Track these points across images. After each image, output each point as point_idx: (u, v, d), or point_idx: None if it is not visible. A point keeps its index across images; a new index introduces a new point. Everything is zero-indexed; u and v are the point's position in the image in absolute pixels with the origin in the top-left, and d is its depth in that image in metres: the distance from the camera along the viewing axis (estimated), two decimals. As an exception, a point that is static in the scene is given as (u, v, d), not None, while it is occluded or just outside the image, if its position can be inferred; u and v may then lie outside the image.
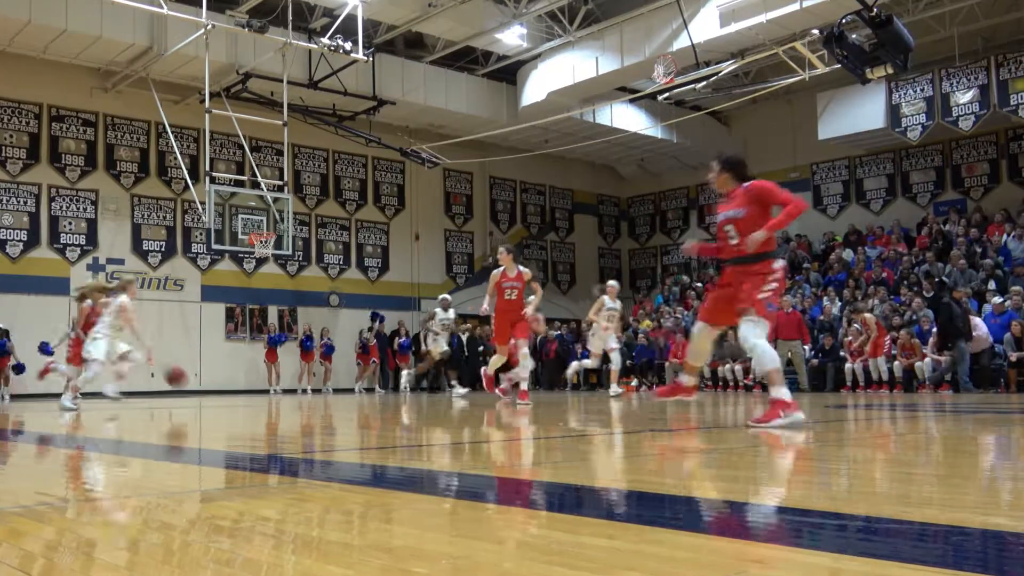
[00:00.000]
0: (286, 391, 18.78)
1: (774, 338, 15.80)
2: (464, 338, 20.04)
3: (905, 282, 17.31)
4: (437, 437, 5.17)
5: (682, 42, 16.09)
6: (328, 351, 19.66)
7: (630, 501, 2.33)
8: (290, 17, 15.84)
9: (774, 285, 5.29)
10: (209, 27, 14.36)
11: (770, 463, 3.56)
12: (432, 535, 1.87)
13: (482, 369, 10.97)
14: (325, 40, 15.78)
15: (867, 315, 15.22)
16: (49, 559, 1.67)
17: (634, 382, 18.55)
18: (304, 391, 18.90)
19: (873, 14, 11.64)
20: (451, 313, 16.17)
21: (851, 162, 21.63)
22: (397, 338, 20.48)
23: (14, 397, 15.86)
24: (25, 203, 17.31)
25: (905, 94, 18.56)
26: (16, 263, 17.14)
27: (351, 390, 19.82)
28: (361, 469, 3.35)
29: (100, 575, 1.53)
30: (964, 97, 17.72)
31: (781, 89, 17.70)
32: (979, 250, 17.22)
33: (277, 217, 16.58)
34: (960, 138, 19.07)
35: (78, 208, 17.93)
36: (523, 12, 17.63)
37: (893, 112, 18.82)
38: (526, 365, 9.45)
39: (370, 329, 20.18)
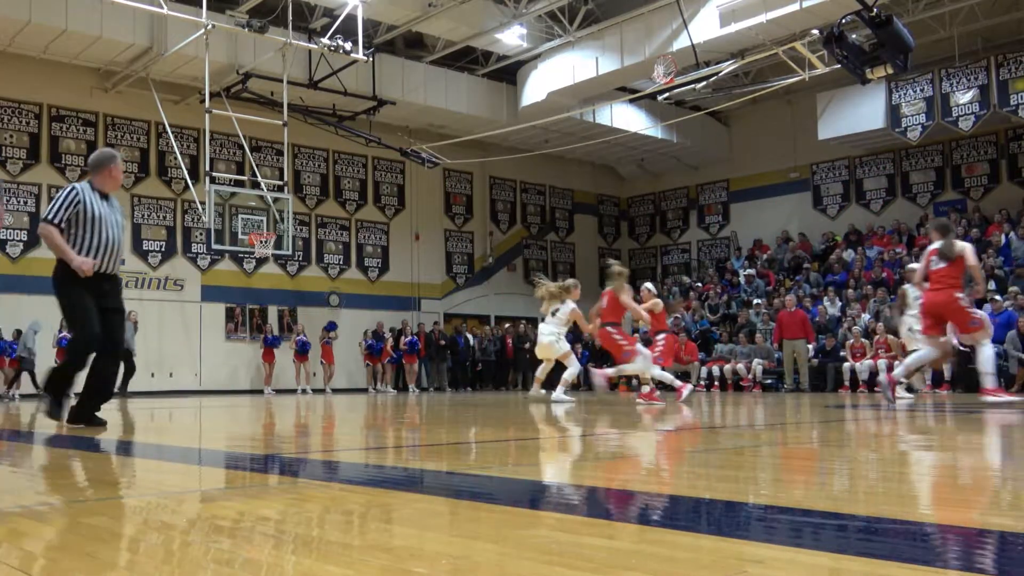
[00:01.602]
0: (288, 391, 18.78)
1: (780, 337, 15.86)
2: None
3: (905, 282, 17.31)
4: (438, 437, 5.17)
5: (682, 42, 16.09)
6: (328, 343, 19.64)
7: (630, 501, 2.33)
8: (290, 17, 15.84)
9: None
10: (209, 27, 14.37)
11: (770, 463, 3.56)
12: (432, 535, 1.87)
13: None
14: (325, 40, 15.79)
15: (891, 336, 15.00)
16: (49, 559, 1.67)
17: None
18: (304, 391, 18.90)
19: (873, 14, 11.64)
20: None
21: (851, 162, 21.63)
22: (403, 337, 20.49)
23: (23, 397, 15.90)
24: (25, 203, 17.32)
25: (905, 94, 18.57)
26: (16, 263, 17.15)
27: (349, 390, 19.82)
28: (361, 469, 3.35)
29: (100, 575, 1.53)
30: (964, 97, 17.73)
31: (781, 89, 17.71)
32: (979, 251, 17.21)
33: (277, 217, 16.58)
34: (960, 138, 19.08)
35: (78, 208, 17.93)
36: (523, 12, 17.64)
37: (893, 112, 18.82)
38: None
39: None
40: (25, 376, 16.38)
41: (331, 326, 19.73)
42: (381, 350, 20.15)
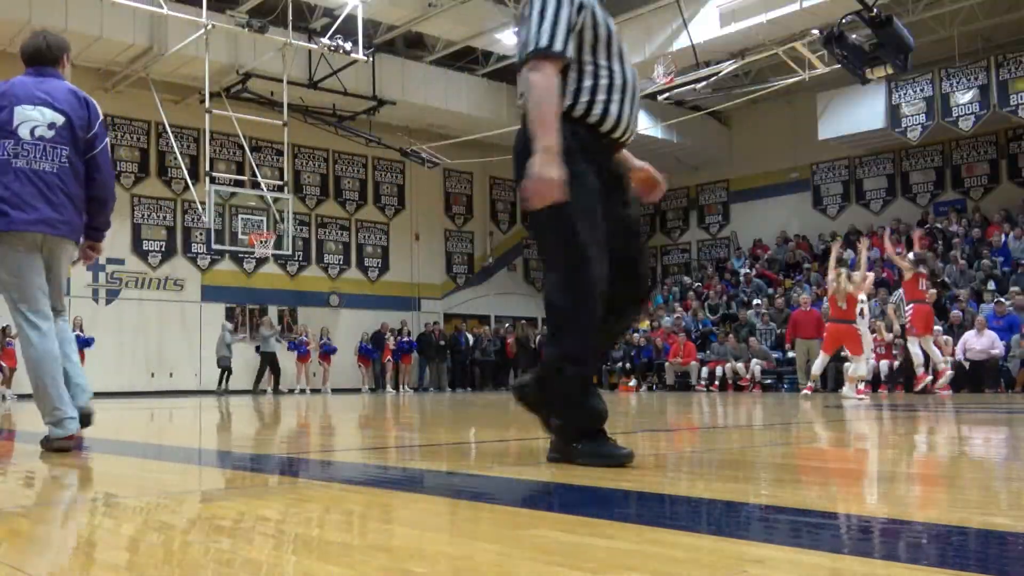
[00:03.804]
0: (288, 391, 18.78)
1: (792, 336, 15.80)
2: None
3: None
4: (438, 437, 5.17)
5: (682, 42, 16.10)
6: (327, 350, 19.66)
7: (630, 501, 2.33)
8: (290, 17, 15.86)
9: None
10: (209, 27, 14.39)
11: (770, 463, 3.56)
12: (432, 535, 1.87)
13: None
14: (325, 40, 15.81)
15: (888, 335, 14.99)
16: (49, 559, 1.67)
17: (632, 382, 18.56)
18: (303, 391, 18.91)
19: (873, 14, 11.65)
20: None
21: (851, 162, 21.63)
22: (400, 337, 20.49)
23: (20, 397, 15.91)
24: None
25: (905, 94, 18.57)
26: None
27: (348, 391, 19.82)
28: (361, 469, 3.35)
29: (100, 575, 1.53)
30: (964, 97, 17.74)
31: (781, 89, 17.72)
32: (980, 250, 17.20)
33: (277, 217, 16.60)
34: (960, 138, 19.08)
35: (78, 208, 17.92)
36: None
37: (893, 112, 18.82)
38: None
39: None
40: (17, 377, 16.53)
41: (302, 348, 19.53)
42: (373, 352, 20.19)
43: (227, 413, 9.25)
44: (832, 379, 14.82)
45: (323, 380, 19.48)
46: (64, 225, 3.78)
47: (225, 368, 18.31)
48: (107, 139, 4.05)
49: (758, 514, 2.09)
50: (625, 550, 1.61)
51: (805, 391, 11.71)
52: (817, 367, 11.77)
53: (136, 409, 10.17)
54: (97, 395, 14.16)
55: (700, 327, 19.17)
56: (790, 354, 16.47)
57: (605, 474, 2.74)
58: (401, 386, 20.42)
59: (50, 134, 3.79)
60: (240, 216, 16.38)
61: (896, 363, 14.74)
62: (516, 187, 2.99)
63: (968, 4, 16.81)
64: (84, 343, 16.55)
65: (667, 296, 22.07)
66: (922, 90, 18.32)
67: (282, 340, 19.27)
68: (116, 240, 18.40)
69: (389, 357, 20.27)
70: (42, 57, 4.03)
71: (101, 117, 4.07)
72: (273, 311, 20.19)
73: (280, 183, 17.17)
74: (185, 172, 17.84)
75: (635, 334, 19.60)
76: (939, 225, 18.98)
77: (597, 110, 2.98)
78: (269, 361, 18.44)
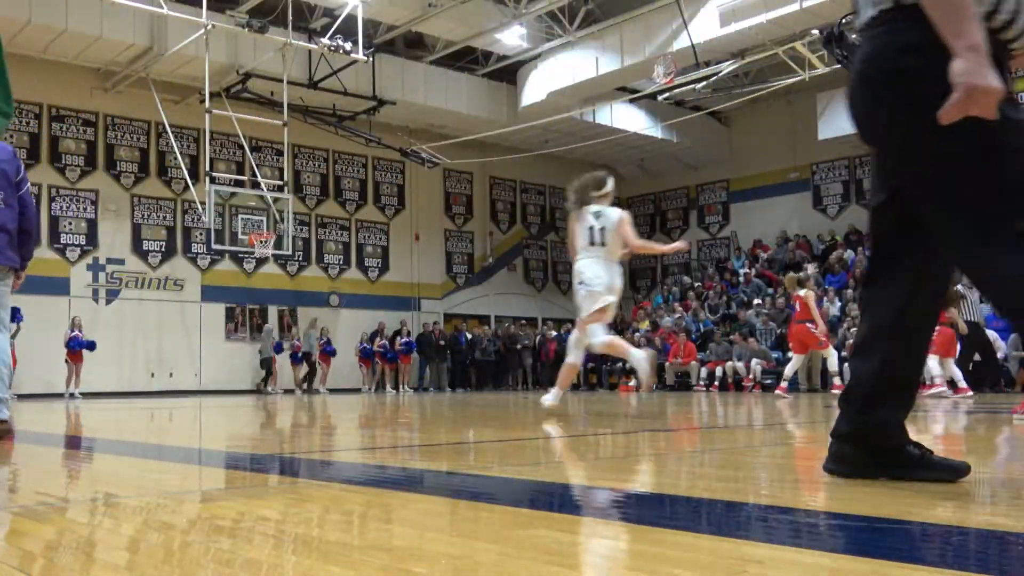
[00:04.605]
0: (287, 391, 18.79)
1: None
2: None
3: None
4: (438, 437, 5.17)
5: (682, 42, 16.10)
6: (328, 351, 19.66)
7: (630, 501, 2.33)
8: (290, 17, 15.86)
9: None
10: (209, 27, 14.39)
11: (771, 463, 3.56)
12: (432, 535, 1.87)
13: None
14: (325, 40, 15.81)
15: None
16: (49, 559, 1.67)
17: (632, 382, 18.54)
18: (302, 391, 18.92)
19: (873, 14, 11.65)
20: None
21: (851, 162, 21.63)
22: (399, 338, 20.48)
23: (20, 396, 15.92)
24: (25, 203, 17.30)
25: (905, 94, 18.53)
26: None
27: (347, 391, 19.82)
28: (361, 469, 3.35)
29: (100, 575, 1.53)
30: (964, 97, 17.70)
31: (781, 89, 17.71)
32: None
33: (277, 217, 16.60)
34: (960, 138, 19.05)
35: (78, 208, 17.95)
36: (523, 12, 17.65)
37: (893, 112, 18.79)
38: None
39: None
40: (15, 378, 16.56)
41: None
42: (372, 352, 20.20)
43: (226, 413, 9.25)
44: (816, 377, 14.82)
45: (322, 380, 19.48)
46: (6, 254, 4.57)
47: (268, 369, 18.84)
48: (28, 183, 4.93)
49: (758, 514, 2.09)
50: (625, 550, 1.61)
51: (778, 391, 12.11)
52: (788, 369, 12.20)
53: (136, 409, 10.17)
54: (97, 395, 14.15)
55: (700, 327, 19.17)
56: (790, 354, 16.42)
57: (605, 474, 2.74)
58: (401, 386, 20.42)
59: None
60: (240, 216, 16.39)
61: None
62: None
63: (968, 4, 16.80)
64: (86, 345, 16.56)
65: (667, 296, 22.07)
66: (922, 90, 18.30)
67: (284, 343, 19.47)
68: (116, 240, 18.41)
69: (378, 359, 20.25)
70: None
71: (23, 167, 5.01)
72: (273, 311, 20.19)
73: (280, 183, 17.18)
74: (185, 172, 17.84)
75: (636, 334, 19.61)
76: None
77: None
78: (308, 362, 19.15)
